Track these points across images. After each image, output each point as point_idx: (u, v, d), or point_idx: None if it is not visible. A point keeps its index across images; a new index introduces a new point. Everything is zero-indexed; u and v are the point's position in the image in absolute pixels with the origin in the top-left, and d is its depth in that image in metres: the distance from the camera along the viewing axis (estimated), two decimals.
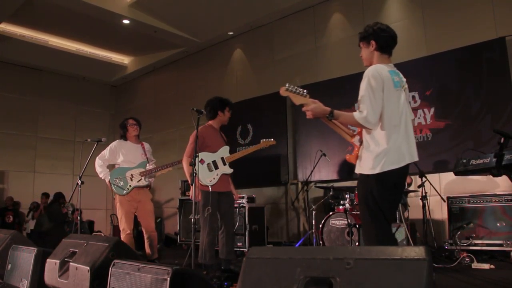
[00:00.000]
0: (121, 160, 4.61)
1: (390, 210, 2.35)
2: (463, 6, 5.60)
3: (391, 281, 1.28)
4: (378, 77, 2.31)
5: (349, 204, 4.85)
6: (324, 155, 5.78)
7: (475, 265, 3.85)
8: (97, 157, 4.64)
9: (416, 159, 2.38)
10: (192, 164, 4.04)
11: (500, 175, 2.69)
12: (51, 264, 2.87)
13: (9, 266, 3.27)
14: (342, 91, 6.42)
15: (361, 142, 2.45)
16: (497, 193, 4.52)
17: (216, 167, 4.02)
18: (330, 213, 4.93)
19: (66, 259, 2.78)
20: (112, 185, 4.50)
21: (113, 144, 4.69)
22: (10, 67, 9.45)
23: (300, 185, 6.67)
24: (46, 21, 8.04)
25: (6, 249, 3.39)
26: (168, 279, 1.92)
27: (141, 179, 4.55)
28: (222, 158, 4.07)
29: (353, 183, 5.96)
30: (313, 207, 5.48)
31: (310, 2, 7.09)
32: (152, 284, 2.00)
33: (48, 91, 10.02)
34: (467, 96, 5.37)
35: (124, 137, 4.73)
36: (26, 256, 3.10)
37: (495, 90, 5.15)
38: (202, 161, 3.96)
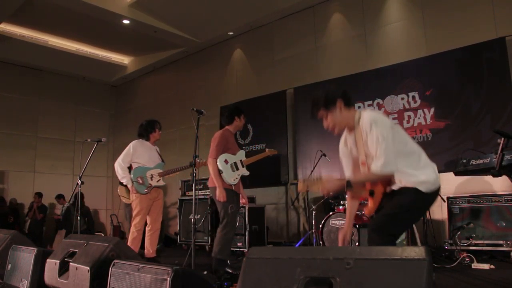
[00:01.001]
0: (141, 159, 4.68)
1: None
2: (463, 6, 5.59)
3: (391, 281, 1.28)
4: (379, 119, 2.32)
5: None
6: (324, 155, 5.77)
7: (475, 265, 3.85)
8: (120, 160, 4.65)
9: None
10: (192, 165, 4.06)
11: (500, 175, 2.69)
12: (51, 264, 2.87)
13: (9, 266, 3.27)
14: None
15: (371, 193, 2.48)
16: (497, 193, 4.51)
17: (237, 168, 4.20)
18: (330, 213, 4.93)
19: (66, 259, 2.78)
20: (133, 182, 4.58)
21: (135, 143, 4.72)
22: (10, 67, 9.45)
23: None
24: (46, 21, 8.04)
25: (6, 249, 3.39)
26: (168, 279, 1.92)
27: (159, 179, 4.70)
28: (241, 161, 4.26)
29: None
30: (313, 207, 5.48)
31: (310, 2, 7.09)
32: (152, 284, 2.00)
33: (48, 91, 10.02)
34: (467, 96, 5.37)
35: (146, 137, 4.79)
36: (26, 256, 3.10)
37: (495, 90, 5.14)
38: (226, 161, 4.13)
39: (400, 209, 2.34)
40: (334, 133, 2.53)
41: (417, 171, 2.32)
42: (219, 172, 4.05)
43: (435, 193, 2.35)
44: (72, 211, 8.13)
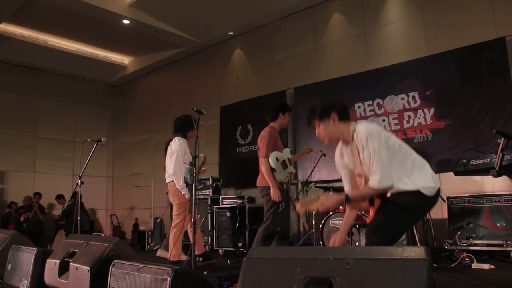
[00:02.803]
0: (187, 160, 4.50)
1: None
2: (463, 6, 5.59)
3: (391, 281, 1.28)
4: (375, 132, 2.32)
5: None
6: (324, 155, 5.76)
7: (475, 265, 3.85)
8: (181, 169, 4.40)
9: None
10: (192, 164, 4.05)
11: (500, 175, 2.69)
12: (51, 264, 2.87)
13: (9, 266, 3.27)
14: (342, 91, 6.42)
15: (372, 202, 2.50)
16: (497, 193, 4.51)
17: (287, 166, 4.15)
18: (330, 213, 4.93)
19: (66, 259, 2.79)
20: (189, 185, 4.38)
21: (185, 144, 4.53)
22: (10, 67, 9.45)
23: (300, 185, 6.66)
24: (46, 21, 8.03)
25: (6, 249, 3.40)
26: (168, 279, 1.92)
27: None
28: (288, 159, 4.20)
29: None
30: None
31: (310, 2, 7.09)
32: (152, 284, 2.00)
33: (48, 91, 10.01)
34: (467, 96, 5.37)
35: (185, 134, 4.61)
36: (26, 256, 3.10)
37: (495, 90, 5.14)
38: (277, 159, 4.08)
39: (398, 209, 2.33)
40: (325, 143, 2.53)
41: (412, 178, 2.33)
42: (272, 170, 3.99)
43: (435, 196, 2.35)
44: (37, 211, 8.18)
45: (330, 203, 2.37)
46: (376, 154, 2.27)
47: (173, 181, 4.49)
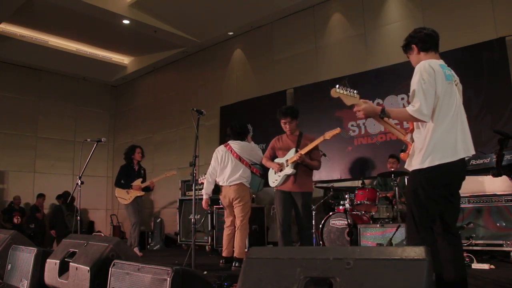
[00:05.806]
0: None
1: (436, 209, 2.29)
2: (463, 6, 5.59)
3: (391, 281, 1.28)
4: (430, 70, 2.35)
5: (349, 204, 4.86)
6: (324, 155, 5.75)
7: (475, 265, 3.85)
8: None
9: (473, 152, 2.43)
10: (192, 165, 4.07)
11: (500, 175, 2.69)
12: (51, 264, 2.87)
13: (9, 266, 3.27)
14: None
15: (413, 139, 2.46)
16: (497, 193, 4.51)
17: (281, 170, 4.22)
18: (330, 213, 4.94)
19: (66, 259, 2.79)
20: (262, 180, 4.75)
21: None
22: (10, 67, 9.44)
23: None
24: (46, 21, 8.04)
25: (6, 249, 3.39)
26: (168, 279, 1.92)
27: None
28: (286, 161, 4.21)
29: (353, 183, 5.96)
30: (313, 207, 5.48)
31: (310, 2, 7.09)
32: (152, 284, 2.00)
33: (48, 91, 10.01)
34: (467, 96, 5.32)
35: (244, 138, 4.85)
36: (26, 256, 3.10)
37: (495, 90, 5.14)
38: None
39: (409, 197, 2.35)
40: None
41: (426, 140, 2.29)
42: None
43: (438, 168, 2.26)
44: (64, 211, 8.16)
45: (367, 107, 2.38)
46: (422, 85, 2.28)
47: (241, 182, 4.56)
